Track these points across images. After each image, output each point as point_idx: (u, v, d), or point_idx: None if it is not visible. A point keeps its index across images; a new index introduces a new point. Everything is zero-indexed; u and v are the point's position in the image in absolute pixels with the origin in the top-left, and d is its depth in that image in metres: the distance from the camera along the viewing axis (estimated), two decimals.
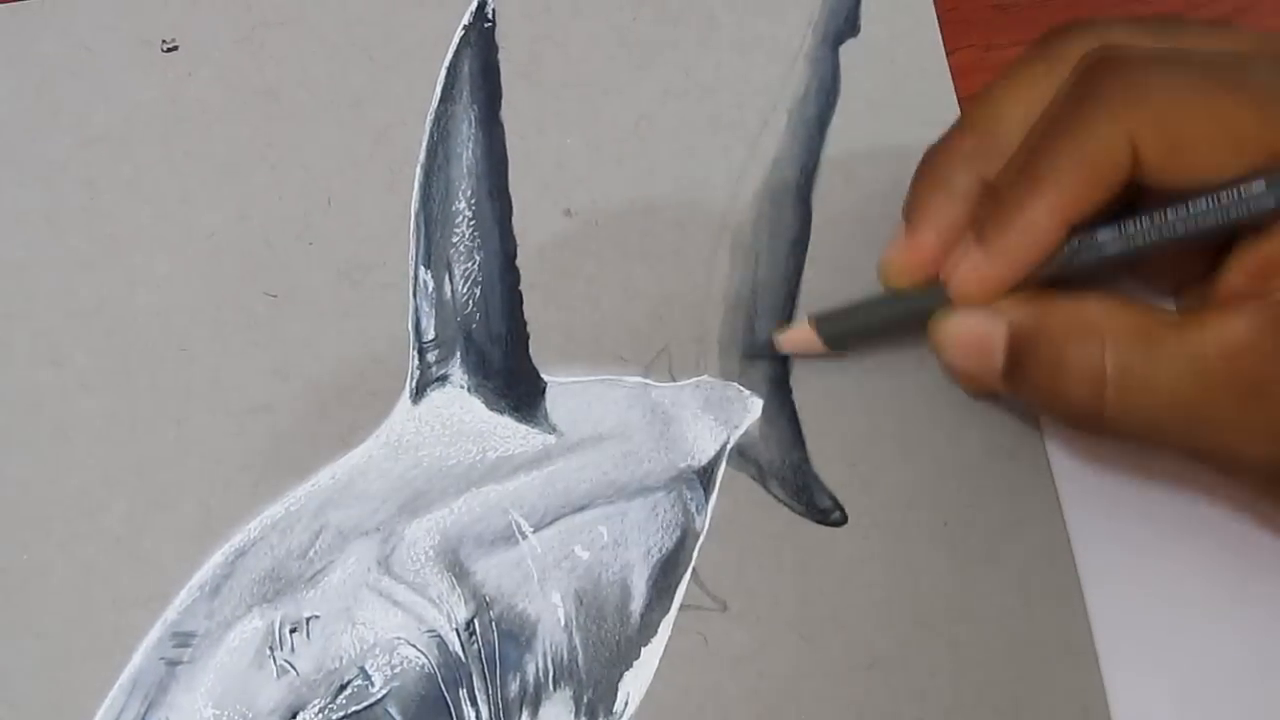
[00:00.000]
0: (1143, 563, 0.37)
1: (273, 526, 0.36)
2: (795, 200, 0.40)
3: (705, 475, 0.38)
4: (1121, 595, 0.37)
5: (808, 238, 0.40)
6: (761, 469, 0.38)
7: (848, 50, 0.41)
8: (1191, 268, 0.35)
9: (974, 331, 0.33)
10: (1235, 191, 0.30)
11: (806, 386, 0.38)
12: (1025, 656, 0.36)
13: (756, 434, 0.38)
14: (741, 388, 0.39)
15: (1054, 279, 0.32)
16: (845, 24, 0.42)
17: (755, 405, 0.38)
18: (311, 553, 0.36)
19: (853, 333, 0.37)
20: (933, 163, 0.34)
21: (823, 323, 0.37)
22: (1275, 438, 0.30)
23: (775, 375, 0.39)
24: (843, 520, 0.37)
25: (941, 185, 0.34)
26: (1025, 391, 0.33)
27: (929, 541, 0.37)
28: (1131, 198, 0.32)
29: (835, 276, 0.39)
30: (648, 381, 0.38)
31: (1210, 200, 0.30)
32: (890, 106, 0.41)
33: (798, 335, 0.37)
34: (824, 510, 0.37)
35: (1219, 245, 0.33)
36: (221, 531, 0.36)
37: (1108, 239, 0.32)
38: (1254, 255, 0.32)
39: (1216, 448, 0.31)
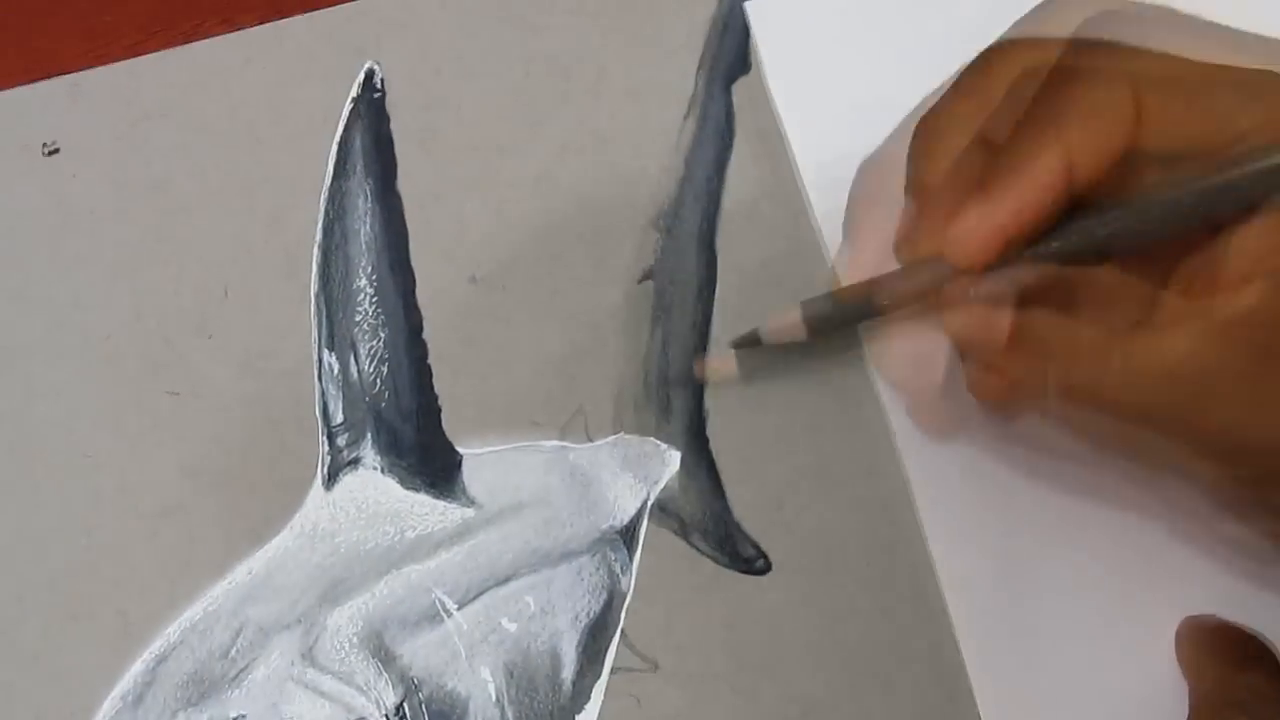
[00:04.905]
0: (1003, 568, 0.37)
1: (192, 628, 0.36)
2: (699, 246, 0.40)
3: (628, 534, 0.37)
4: (987, 606, 0.36)
5: (714, 283, 0.39)
6: (684, 522, 0.37)
7: (740, 88, 0.41)
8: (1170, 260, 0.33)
9: (982, 294, 0.31)
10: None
11: (723, 436, 0.38)
12: (963, 695, 0.36)
13: (676, 488, 0.38)
14: (659, 442, 0.38)
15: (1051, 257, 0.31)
16: (736, 61, 0.41)
17: (673, 458, 0.38)
18: (233, 651, 0.35)
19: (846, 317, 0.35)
20: (929, 128, 0.33)
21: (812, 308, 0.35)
22: None
23: (692, 426, 0.38)
24: (767, 568, 0.37)
25: (940, 151, 0.32)
26: (1026, 360, 0.32)
27: (855, 582, 0.37)
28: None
29: (742, 321, 0.38)
30: (565, 444, 0.38)
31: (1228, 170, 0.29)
32: (784, 141, 0.40)
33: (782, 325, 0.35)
34: (748, 560, 0.37)
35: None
36: (141, 638, 0.35)
37: (1112, 213, 0.31)
38: (1262, 234, 0.30)
39: (1221, 426, 0.30)
